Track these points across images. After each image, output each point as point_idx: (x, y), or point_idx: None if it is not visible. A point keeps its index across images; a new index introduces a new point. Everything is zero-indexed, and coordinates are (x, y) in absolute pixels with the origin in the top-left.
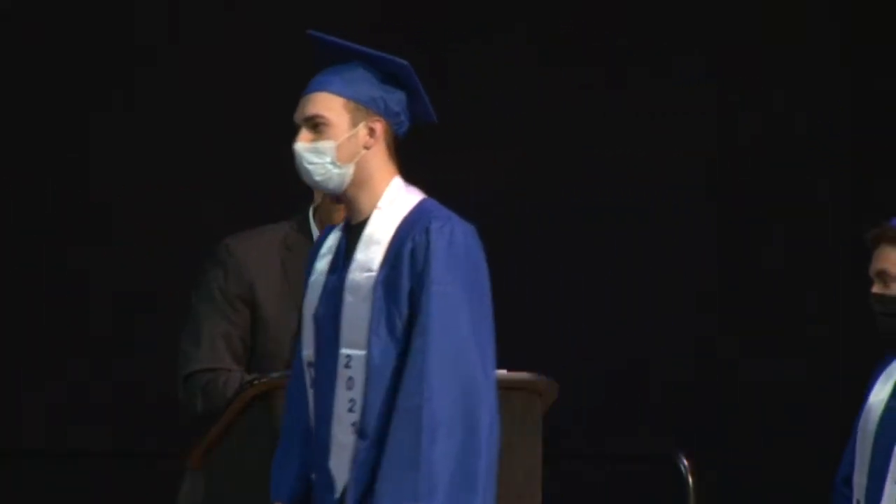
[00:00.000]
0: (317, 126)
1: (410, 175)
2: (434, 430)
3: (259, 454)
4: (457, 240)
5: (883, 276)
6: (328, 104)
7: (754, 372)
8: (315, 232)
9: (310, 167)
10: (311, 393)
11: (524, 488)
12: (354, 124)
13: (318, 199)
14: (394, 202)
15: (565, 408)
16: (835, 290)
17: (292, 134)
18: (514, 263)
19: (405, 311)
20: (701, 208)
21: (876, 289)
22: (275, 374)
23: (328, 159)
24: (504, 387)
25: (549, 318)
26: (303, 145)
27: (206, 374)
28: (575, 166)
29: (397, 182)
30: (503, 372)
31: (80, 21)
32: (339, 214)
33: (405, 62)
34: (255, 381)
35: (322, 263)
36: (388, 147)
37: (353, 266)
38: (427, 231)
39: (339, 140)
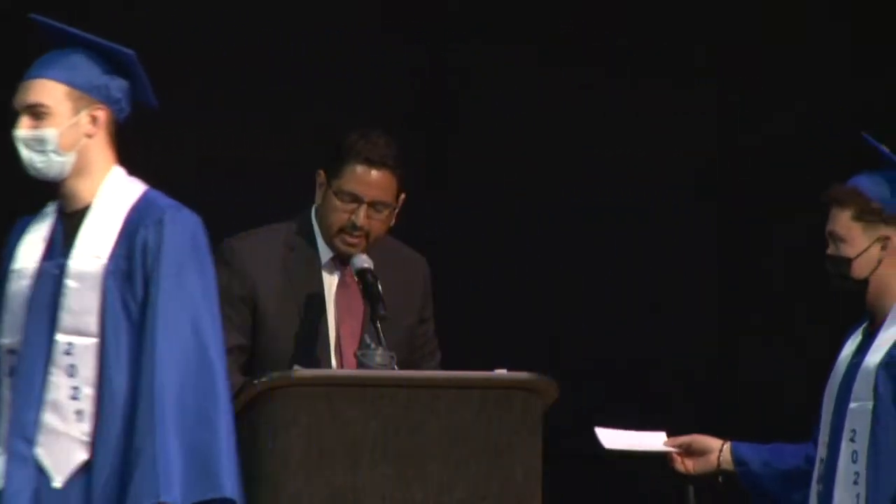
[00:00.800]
0: (38, 114)
1: (409, 173)
2: (164, 419)
3: (259, 454)
4: (187, 229)
5: (832, 236)
6: (50, 91)
7: (754, 372)
8: (317, 232)
9: (31, 155)
10: (6, 381)
11: (524, 488)
12: (76, 112)
13: (318, 199)
14: (116, 191)
15: (565, 408)
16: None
17: (288, 134)
18: (514, 263)
19: (140, 299)
20: (701, 208)
21: (829, 250)
22: (275, 374)
23: (50, 147)
24: (504, 387)
25: (549, 318)
26: (24, 133)
27: None
28: (575, 166)
29: (117, 171)
30: (503, 372)
31: (78, 21)
32: (339, 216)
33: (131, 52)
34: (255, 382)
35: (30, 250)
36: (109, 134)
37: (77, 253)
38: (160, 222)
39: (61, 128)
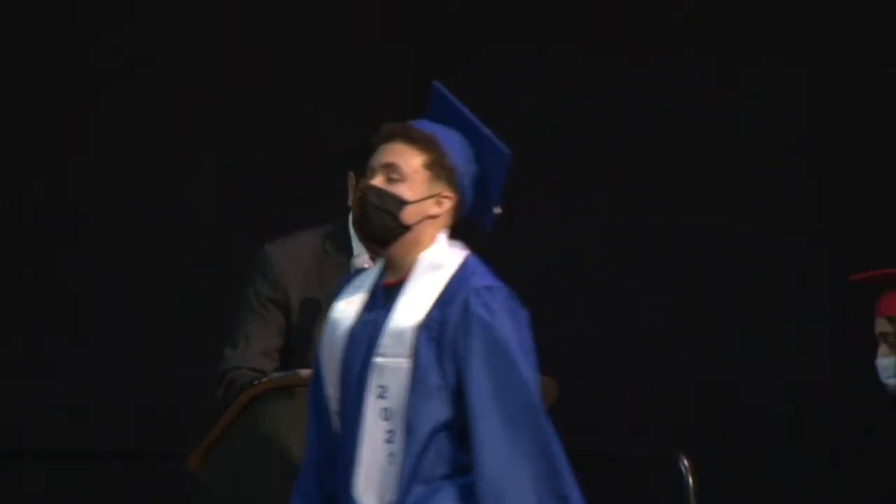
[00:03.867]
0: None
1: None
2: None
3: (258, 454)
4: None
5: (389, 168)
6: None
7: (754, 372)
8: (352, 236)
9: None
10: None
11: None
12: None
13: (349, 199)
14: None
15: (565, 408)
16: (834, 291)
17: (287, 135)
18: (514, 263)
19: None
20: (698, 217)
21: (377, 181)
22: (275, 375)
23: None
24: None
25: (549, 318)
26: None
27: (232, 372)
28: (577, 164)
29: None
30: None
31: (76, 24)
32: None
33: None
34: (255, 382)
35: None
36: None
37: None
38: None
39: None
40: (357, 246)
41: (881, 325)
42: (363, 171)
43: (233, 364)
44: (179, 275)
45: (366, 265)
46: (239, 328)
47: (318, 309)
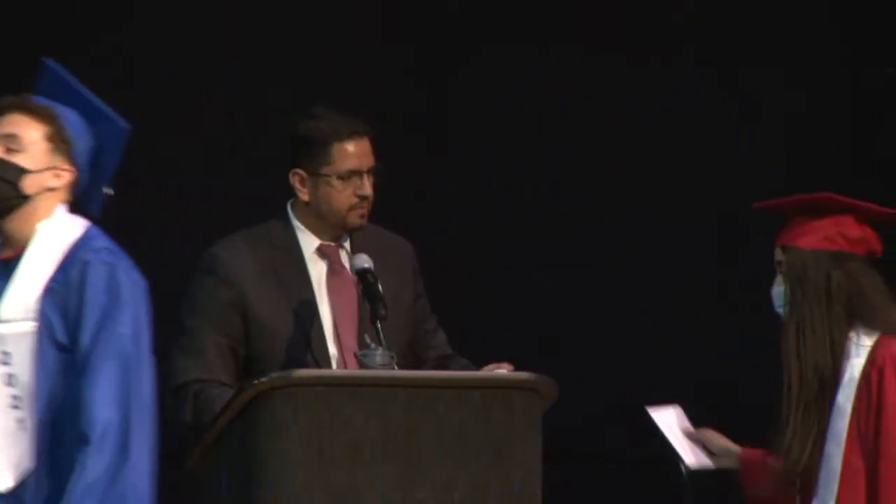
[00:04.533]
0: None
1: (411, 176)
2: None
3: (259, 453)
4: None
5: (9, 139)
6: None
7: (754, 372)
8: (296, 226)
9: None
10: None
11: (524, 488)
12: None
13: (306, 195)
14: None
15: (565, 408)
16: None
17: (287, 135)
18: (514, 263)
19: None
20: (698, 217)
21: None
22: (274, 375)
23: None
24: (504, 387)
25: (549, 318)
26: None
27: (195, 385)
28: (578, 163)
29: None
30: (503, 371)
31: (76, 24)
32: (346, 196)
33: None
34: (255, 382)
35: None
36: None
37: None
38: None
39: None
40: (304, 237)
41: (778, 255)
42: (320, 160)
43: (194, 376)
44: (179, 275)
45: (366, 264)
46: (192, 337)
47: (281, 303)
